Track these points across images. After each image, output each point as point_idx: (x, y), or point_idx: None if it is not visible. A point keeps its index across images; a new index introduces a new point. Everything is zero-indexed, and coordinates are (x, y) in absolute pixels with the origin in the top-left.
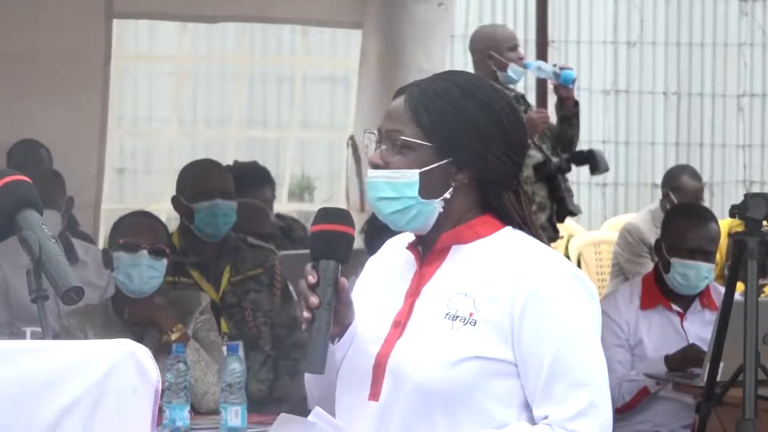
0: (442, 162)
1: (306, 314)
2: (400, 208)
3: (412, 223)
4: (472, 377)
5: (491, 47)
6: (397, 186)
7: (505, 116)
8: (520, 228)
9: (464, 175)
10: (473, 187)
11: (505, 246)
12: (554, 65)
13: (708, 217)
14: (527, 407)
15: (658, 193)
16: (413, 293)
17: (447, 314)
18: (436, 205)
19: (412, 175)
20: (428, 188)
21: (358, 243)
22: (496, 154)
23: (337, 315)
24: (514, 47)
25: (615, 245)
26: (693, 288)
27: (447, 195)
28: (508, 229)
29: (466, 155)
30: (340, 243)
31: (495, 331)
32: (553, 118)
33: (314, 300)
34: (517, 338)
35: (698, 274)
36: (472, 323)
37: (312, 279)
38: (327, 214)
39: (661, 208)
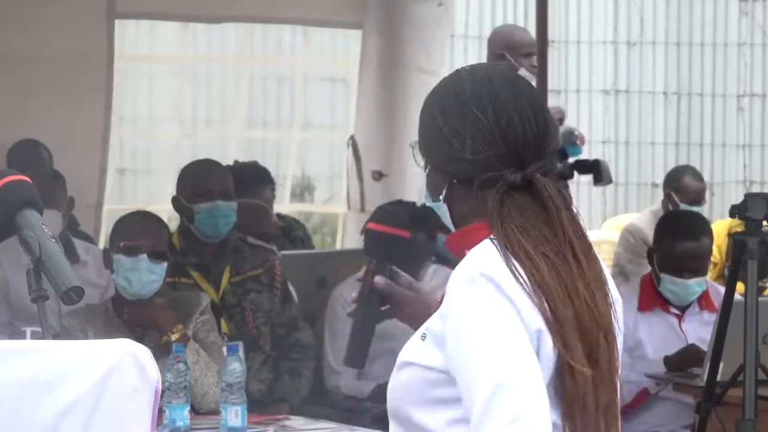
0: (429, 166)
1: (348, 309)
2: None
3: (447, 223)
4: (409, 384)
5: (505, 48)
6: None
7: (472, 109)
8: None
9: (442, 177)
10: (467, 190)
11: (467, 258)
12: (576, 136)
13: (698, 230)
14: None
15: (659, 193)
16: (440, 302)
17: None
18: (443, 208)
19: (423, 177)
20: (431, 190)
21: (358, 243)
22: (462, 154)
23: (398, 312)
24: (529, 54)
25: (616, 246)
26: (683, 301)
27: (441, 197)
28: (489, 239)
29: (434, 156)
30: (385, 244)
31: (438, 344)
32: None
33: (353, 295)
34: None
35: (687, 290)
36: (423, 337)
37: (358, 275)
38: (382, 214)
39: (663, 208)
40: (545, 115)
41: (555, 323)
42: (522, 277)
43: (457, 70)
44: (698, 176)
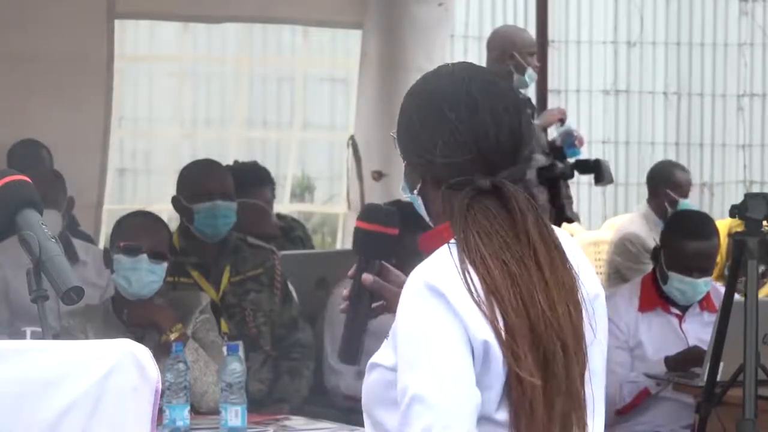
0: (405, 160)
1: (341, 306)
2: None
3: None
4: (375, 385)
5: (513, 48)
6: None
7: (446, 113)
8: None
9: (416, 173)
10: (437, 190)
11: (421, 264)
12: (575, 137)
13: (707, 231)
14: None
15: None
16: None
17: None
18: (418, 201)
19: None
20: (408, 182)
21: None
22: (433, 157)
23: (389, 308)
24: (533, 53)
25: (612, 255)
26: (690, 300)
27: (415, 191)
28: (448, 244)
29: (408, 153)
30: (373, 242)
31: (393, 345)
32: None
33: (344, 292)
34: None
35: (695, 289)
36: (386, 337)
37: (349, 273)
38: (370, 212)
39: (652, 209)
40: (521, 120)
41: (504, 332)
42: (474, 285)
43: (438, 68)
44: (685, 168)
